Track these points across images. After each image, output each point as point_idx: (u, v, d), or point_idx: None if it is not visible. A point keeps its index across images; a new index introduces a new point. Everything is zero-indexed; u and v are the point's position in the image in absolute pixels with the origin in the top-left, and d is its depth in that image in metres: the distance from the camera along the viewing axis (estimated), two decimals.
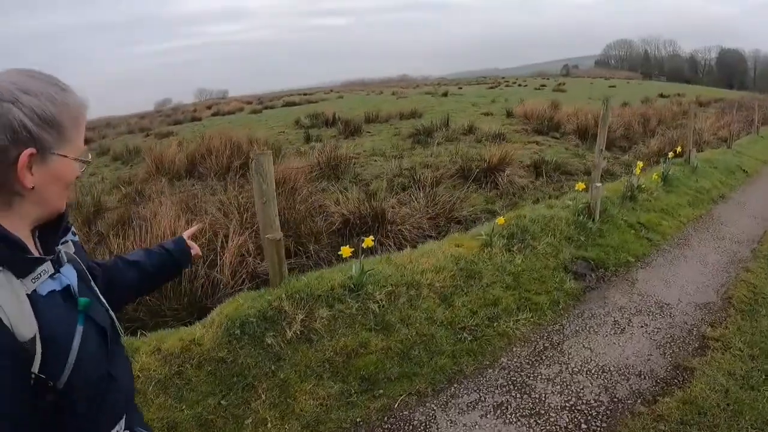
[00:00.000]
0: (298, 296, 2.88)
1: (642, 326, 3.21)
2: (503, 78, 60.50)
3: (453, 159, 7.42)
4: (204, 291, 3.52)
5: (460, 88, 39.74)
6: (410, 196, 5.75)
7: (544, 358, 2.82)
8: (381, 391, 2.48)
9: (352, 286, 3.00)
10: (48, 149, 0.76)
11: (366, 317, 2.89)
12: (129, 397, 0.98)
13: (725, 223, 5.67)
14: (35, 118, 0.73)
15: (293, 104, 30.04)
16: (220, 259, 4.05)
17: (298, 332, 2.69)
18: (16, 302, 0.71)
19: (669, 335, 3.09)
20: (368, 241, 3.07)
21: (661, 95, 30.26)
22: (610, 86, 41.97)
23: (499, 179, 6.31)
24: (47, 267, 0.79)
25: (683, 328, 3.18)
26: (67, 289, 0.82)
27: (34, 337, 0.71)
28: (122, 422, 0.91)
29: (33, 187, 0.75)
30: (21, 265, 0.74)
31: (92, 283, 0.91)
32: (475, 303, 3.21)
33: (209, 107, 37.35)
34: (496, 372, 2.69)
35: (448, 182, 6.39)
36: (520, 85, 43.36)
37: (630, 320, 3.28)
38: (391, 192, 6.32)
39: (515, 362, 2.77)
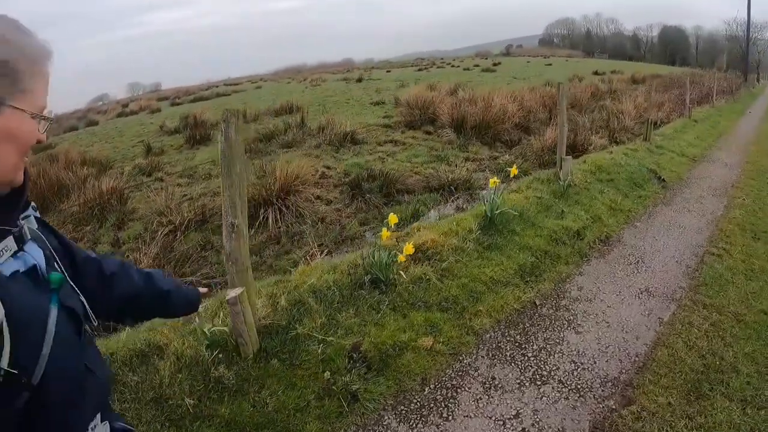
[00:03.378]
0: None
1: None
2: (441, 59, 58.59)
3: (255, 180, 6.05)
4: None
5: (389, 71, 37.86)
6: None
7: None
8: None
9: None
10: None
11: None
12: (107, 390, 0.86)
13: (579, 323, 2.81)
14: None
15: (203, 99, 27.72)
16: None
17: None
18: None
19: None
20: None
21: (596, 73, 29.56)
22: (546, 64, 41.21)
23: (272, 214, 4.92)
24: (9, 243, 0.66)
25: None
26: (33, 269, 0.70)
27: (0, 326, 0.58)
28: (99, 416, 0.80)
29: None
30: None
31: (60, 265, 0.76)
32: None
33: (125, 105, 34.39)
34: None
35: (212, 223, 5.02)
36: (453, 66, 41.85)
37: None
38: (138, 240, 4.91)
39: None
